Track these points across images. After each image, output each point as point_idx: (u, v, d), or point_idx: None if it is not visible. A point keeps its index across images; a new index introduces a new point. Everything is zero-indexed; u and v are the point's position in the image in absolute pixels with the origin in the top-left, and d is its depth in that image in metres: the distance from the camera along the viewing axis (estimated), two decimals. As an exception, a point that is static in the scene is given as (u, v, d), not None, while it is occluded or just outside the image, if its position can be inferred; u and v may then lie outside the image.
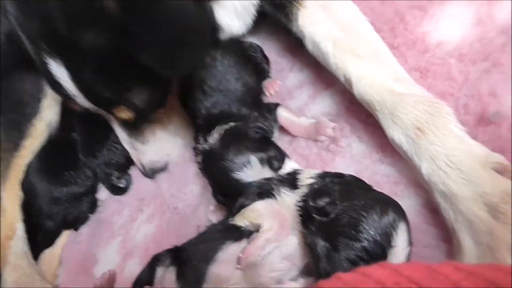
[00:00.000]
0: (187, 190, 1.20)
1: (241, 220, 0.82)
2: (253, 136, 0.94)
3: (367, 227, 0.65)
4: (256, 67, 1.15)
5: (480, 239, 0.66)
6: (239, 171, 0.88)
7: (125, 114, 1.00)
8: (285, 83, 1.19)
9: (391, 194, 0.78)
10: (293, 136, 1.07)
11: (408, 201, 0.82)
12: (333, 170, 0.96)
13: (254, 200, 0.83)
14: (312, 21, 1.01)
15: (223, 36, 1.12)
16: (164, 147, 1.18)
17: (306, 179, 0.81)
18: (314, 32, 1.00)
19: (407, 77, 0.90)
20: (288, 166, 0.91)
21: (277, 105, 1.07)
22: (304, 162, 1.01)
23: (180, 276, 0.85)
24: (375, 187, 0.79)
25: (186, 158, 1.25)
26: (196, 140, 1.05)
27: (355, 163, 0.96)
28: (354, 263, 0.64)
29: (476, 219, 0.67)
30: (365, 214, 0.66)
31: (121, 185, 1.32)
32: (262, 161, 0.88)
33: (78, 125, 1.32)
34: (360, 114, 0.99)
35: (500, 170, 0.70)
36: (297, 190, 0.80)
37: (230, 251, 0.80)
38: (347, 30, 0.98)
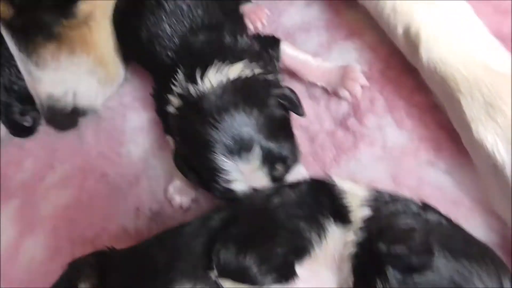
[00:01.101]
0: (122, 151, 0.88)
1: None
2: (272, 112, 0.60)
3: None
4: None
5: None
6: (223, 154, 0.57)
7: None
8: (281, 21, 0.87)
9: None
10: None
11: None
12: (352, 164, 0.67)
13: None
14: None
15: None
16: (70, 81, 0.86)
17: (357, 207, 0.49)
18: None
19: (502, 48, 0.59)
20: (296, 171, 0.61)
21: (274, 39, 0.78)
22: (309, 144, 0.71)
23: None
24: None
25: (125, 103, 0.92)
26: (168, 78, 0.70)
27: (390, 159, 0.65)
28: None
29: None
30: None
31: (26, 124, 1.03)
32: (264, 159, 0.57)
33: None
34: (404, 86, 0.69)
35: None
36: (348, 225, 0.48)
37: None
38: None
